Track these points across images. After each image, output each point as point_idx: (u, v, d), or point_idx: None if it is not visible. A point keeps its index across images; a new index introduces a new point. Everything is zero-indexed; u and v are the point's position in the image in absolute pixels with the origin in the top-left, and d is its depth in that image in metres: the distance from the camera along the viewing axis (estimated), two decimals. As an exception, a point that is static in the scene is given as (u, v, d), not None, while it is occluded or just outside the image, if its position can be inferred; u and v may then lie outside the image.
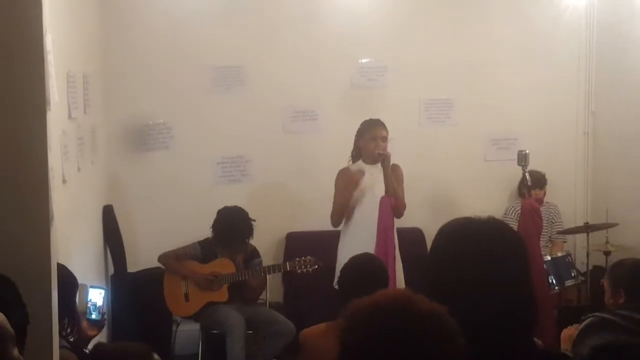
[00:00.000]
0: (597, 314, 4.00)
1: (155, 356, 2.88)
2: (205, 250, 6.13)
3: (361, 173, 5.68)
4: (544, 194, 7.01)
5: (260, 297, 6.48)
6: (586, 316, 4.03)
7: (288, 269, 6.03)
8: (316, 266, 5.91)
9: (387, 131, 5.69)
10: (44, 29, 2.52)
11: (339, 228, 5.81)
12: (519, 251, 2.02)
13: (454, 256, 1.99)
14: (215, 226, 6.09)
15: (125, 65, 6.83)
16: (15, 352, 1.97)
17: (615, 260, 6.19)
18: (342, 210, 5.71)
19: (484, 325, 1.84)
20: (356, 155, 5.81)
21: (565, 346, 4.03)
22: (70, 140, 4.80)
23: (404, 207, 5.63)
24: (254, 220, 6.10)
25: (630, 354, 3.49)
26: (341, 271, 4.01)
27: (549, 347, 3.80)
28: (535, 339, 2.07)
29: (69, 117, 4.81)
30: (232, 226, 6.03)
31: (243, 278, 6.02)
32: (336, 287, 5.11)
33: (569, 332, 4.05)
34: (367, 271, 3.86)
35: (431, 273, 2.02)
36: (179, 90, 6.94)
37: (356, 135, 5.80)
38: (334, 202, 5.77)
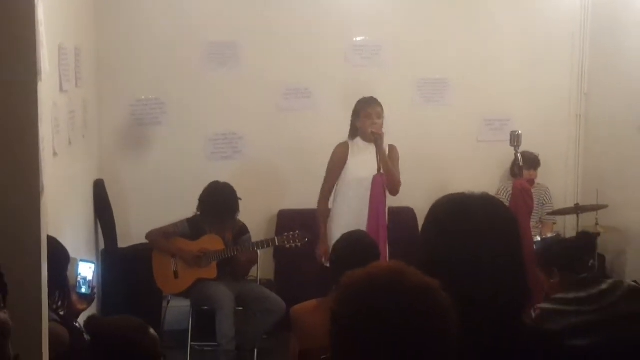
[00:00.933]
0: (540, 305, 4.07)
1: (151, 330, 2.88)
2: (193, 227, 6.12)
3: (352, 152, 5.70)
4: (536, 175, 7.02)
5: (251, 274, 6.49)
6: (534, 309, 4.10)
7: (277, 243, 6.04)
8: (305, 240, 5.92)
9: (381, 108, 5.67)
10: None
11: (329, 206, 5.82)
12: (513, 229, 2.00)
13: (447, 233, 1.95)
14: (202, 199, 6.09)
15: (118, 39, 6.80)
16: (2, 314, 1.95)
17: (602, 241, 6.24)
18: (332, 190, 5.72)
19: (476, 302, 1.82)
20: (352, 135, 5.80)
21: None
22: (62, 113, 4.77)
23: (399, 184, 5.65)
24: (240, 199, 6.10)
25: (583, 333, 3.54)
26: (333, 247, 4.01)
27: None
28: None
29: (61, 89, 4.78)
30: (219, 201, 6.03)
31: (232, 254, 6.02)
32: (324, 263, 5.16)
33: None
34: (359, 248, 3.86)
35: (423, 249, 2.00)
36: (172, 66, 6.92)
37: (352, 116, 5.79)
38: (326, 181, 5.77)
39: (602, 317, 3.83)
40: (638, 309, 3.70)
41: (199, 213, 6.12)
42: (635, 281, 6.34)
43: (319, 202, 5.81)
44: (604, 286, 4.00)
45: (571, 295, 3.97)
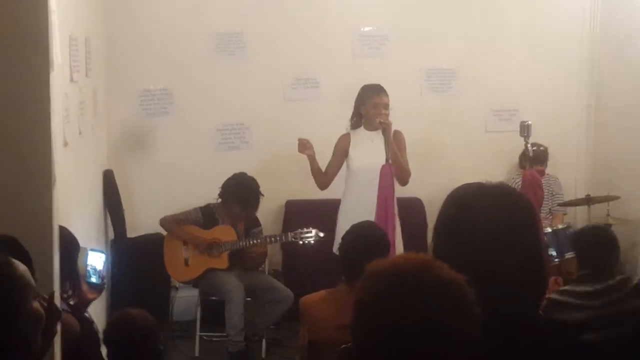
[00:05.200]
0: (548, 296, 4.06)
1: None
2: (206, 216, 6.12)
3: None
4: (545, 167, 7.00)
5: (259, 264, 6.48)
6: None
7: (290, 239, 6.02)
8: (318, 238, 5.90)
9: (388, 97, 5.63)
10: (47, -11, 2.50)
11: (337, 196, 5.80)
12: (531, 218, 1.94)
13: (466, 221, 1.90)
14: (228, 187, 6.04)
15: (127, 29, 6.80)
16: (36, 304, 1.97)
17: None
18: (332, 175, 5.70)
19: (495, 293, 1.78)
20: (356, 121, 5.75)
21: None
22: (72, 104, 4.77)
23: (408, 174, 5.58)
24: (263, 196, 6.10)
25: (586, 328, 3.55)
26: (343, 238, 3.99)
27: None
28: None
29: (71, 80, 4.77)
30: (246, 192, 6.01)
31: (244, 246, 6.02)
32: (336, 252, 5.14)
33: None
34: (369, 238, 3.85)
35: (440, 239, 1.96)
36: (180, 56, 6.92)
37: (357, 102, 5.72)
38: (327, 166, 5.74)
39: (605, 313, 3.84)
40: None
41: (219, 200, 6.10)
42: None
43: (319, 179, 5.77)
44: (611, 282, 4.00)
45: (579, 288, 3.97)
